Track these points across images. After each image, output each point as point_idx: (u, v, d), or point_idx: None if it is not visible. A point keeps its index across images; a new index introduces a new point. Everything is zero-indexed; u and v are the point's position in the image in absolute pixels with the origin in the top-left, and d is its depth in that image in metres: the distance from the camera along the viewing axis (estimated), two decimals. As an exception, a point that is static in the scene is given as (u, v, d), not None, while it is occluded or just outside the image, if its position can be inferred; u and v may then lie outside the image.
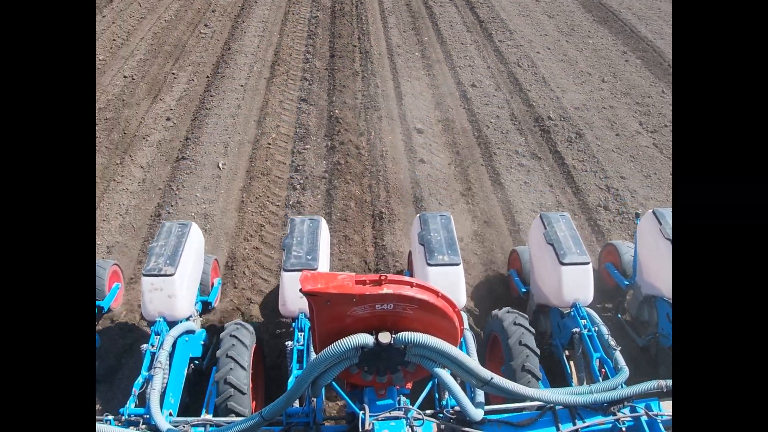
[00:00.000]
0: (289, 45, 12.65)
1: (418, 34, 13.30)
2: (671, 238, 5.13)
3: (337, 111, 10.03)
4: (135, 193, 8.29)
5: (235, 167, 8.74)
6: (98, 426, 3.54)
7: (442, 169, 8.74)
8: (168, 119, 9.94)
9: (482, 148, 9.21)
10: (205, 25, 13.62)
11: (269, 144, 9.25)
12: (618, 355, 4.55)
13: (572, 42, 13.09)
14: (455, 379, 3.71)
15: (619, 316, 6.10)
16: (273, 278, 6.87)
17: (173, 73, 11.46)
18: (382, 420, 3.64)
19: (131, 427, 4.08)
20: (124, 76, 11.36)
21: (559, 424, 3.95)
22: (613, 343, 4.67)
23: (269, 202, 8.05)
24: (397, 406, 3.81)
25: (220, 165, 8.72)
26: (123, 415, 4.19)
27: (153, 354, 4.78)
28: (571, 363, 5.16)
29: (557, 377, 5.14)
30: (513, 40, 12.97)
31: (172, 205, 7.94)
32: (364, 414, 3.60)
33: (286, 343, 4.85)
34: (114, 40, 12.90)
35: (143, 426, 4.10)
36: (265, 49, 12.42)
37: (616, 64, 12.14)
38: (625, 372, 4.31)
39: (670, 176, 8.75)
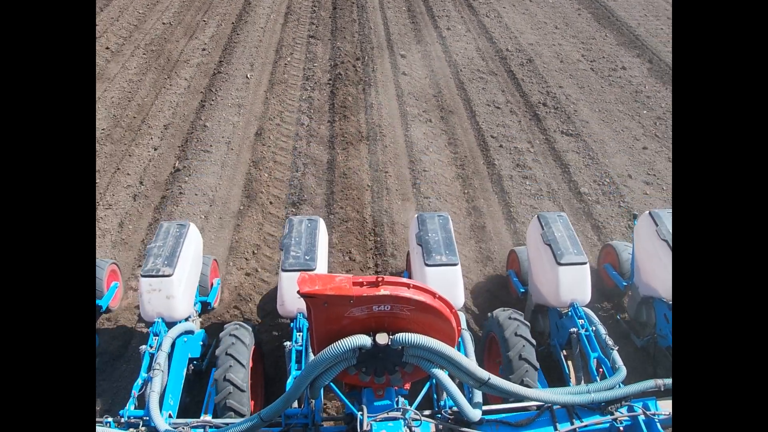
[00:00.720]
0: (299, 1, 15.19)
1: (405, -5, 15.89)
2: (667, 239, 5.16)
3: (338, 43, 12.57)
4: (182, 95, 10.78)
5: (259, 78, 11.25)
6: (98, 429, 3.55)
7: (419, 80, 11.27)
8: (203, 50, 12.47)
9: (451, 68, 11.74)
10: (227, -12, 16.18)
11: (285, 64, 11.77)
12: (615, 354, 4.49)
13: (534, 0, 15.64)
14: (453, 379, 3.71)
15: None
16: (291, 141, 9.36)
17: (204, 21, 13.99)
18: (380, 421, 3.65)
19: (131, 429, 4.09)
20: (163, 23, 13.87)
21: (557, 424, 3.92)
22: (610, 342, 4.61)
23: (287, 98, 10.56)
24: (395, 406, 3.82)
25: (248, 76, 11.24)
26: (122, 417, 4.18)
27: (152, 355, 4.74)
28: (569, 363, 5.14)
29: (555, 377, 5.20)
30: (484, -1, 15.56)
31: (212, 100, 10.43)
32: (362, 415, 3.62)
33: (285, 343, 4.82)
34: (150, -1, 15.41)
35: (143, 428, 4.08)
36: (279, 4, 14.96)
37: (570, 17, 14.67)
38: (623, 371, 4.26)
39: (600, 87, 11.26)
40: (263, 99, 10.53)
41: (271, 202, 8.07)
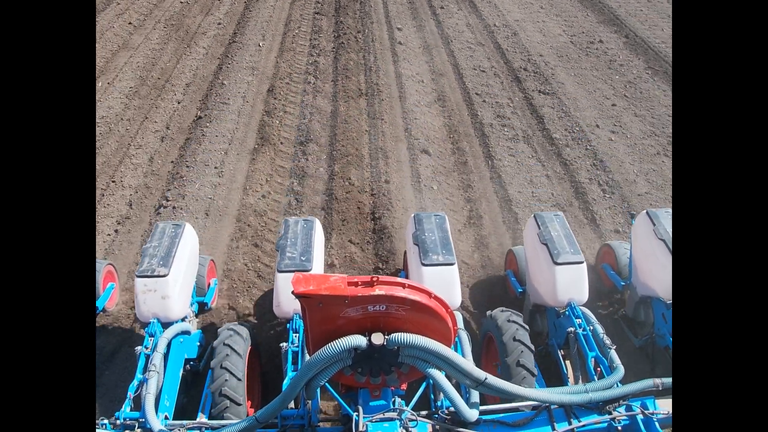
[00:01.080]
0: (305, -16, 16.50)
1: (404, -21, 17.15)
2: (664, 238, 5.20)
3: (341, 18, 13.83)
4: (200, 60, 12.04)
5: (270, 46, 12.52)
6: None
7: (414, 49, 12.52)
8: (219, 24, 13.74)
9: (443, 40, 12.98)
10: (239, -27, 17.46)
11: (294, 35, 13.04)
12: (613, 353, 4.47)
13: (523, -15, 16.90)
14: (450, 379, 3.68)
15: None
16: (299, 96, 10.60)
17: (218, 0, 15.26)
18: (376, 421, 3.64)
19: None
20: (180, 2, 15.13)
21: (555, 424, 3.89)
22: (608, 341, 4.59)
23: (295, 62, 11.82)
24: (391, 407, 3.81)
25: (260, 44, 12.50)
26: (118, 418, 4.13)
27: (147, 356, 4.70)
28: (567, 362, 5.12)
29: (553, 377, 5.23)
30: (477, -17, 16.80)
31: (228, 65, 11.69)
32: (358, 415, 3.63)
33: (281, 344, 4.80)
34: (168, -17, 16.69)
35: (138, 430, 4.07)
36: (286, -13, 16.28)
37: (555, -1, 15.91)
38: (621, 371, 4.23)
39: (577, 56, 12.47)
40: (274, 63, 11.78)
41: (281, 142, 9.30)
